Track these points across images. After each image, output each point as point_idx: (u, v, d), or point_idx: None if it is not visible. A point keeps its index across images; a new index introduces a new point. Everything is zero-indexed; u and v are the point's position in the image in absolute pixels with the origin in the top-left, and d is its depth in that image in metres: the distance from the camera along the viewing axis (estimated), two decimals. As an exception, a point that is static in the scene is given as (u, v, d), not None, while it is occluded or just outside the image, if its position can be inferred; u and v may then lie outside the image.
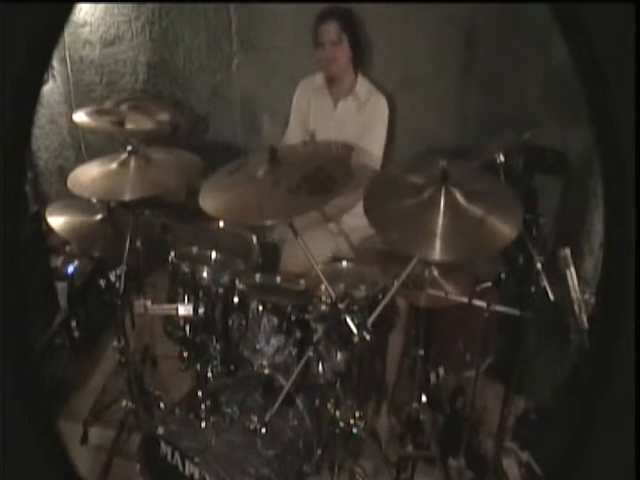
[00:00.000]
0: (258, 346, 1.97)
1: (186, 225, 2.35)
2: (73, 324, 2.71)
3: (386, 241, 1.95)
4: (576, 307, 1.63)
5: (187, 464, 1.73)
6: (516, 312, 1.84)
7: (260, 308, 1.97)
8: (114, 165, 1.98)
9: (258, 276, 2.09)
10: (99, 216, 2.17)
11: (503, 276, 2.01)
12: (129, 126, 2.44)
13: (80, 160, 3.31)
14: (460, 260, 1.87)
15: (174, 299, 2.06)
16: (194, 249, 2.17)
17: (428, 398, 2.16)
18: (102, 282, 2.04)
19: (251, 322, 1.98)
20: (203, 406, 1.82)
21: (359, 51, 2.47)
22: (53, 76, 3.21)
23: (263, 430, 1.79)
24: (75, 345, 2.72)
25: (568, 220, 2.69)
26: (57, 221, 2.12)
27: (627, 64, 0.68)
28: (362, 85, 2.52)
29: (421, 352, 2.09)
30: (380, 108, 2.49)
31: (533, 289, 1.75)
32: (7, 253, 0.77)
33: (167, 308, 1.99)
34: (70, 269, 2.73)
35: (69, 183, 1.95)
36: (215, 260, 2.16)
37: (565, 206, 2.72)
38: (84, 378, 2.71)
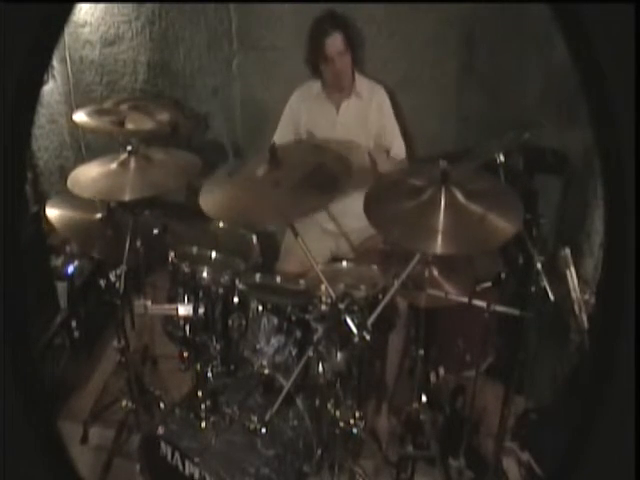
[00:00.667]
0: (258, 346, 1.97)
1: (186, 225, 2.35)
2: (73, 324, 2.71)
3: (387, 238, 1.95)
4: (576, 307, 1.63)
5: (187, 464, 1.74)
6: (516, 312, 1.84)
7: (260, 308, 1.97)
8: (114, 165, 1.98)
9: (258, 276, 2.09)
10: (99, 215, 2.17)
11: (503, 276, 2.01)
12: (129, 126, 2.44)
13: (80, 160, 3.30)
14: (462, 254, 1.88)
15: (174, 299, 2.06)
16: (194, 249, 2.17)
17: (428, 398, 2.16)
18: (102, 282, 2.04)
19: (251, 322, 1.98)
20: (203, 406, 1.82)
21: (356, 52, 2.46)
22: (53, 76, 3.21)
23: (263, 430, 1.79)
24: (75, 345, 2.72)
25: (568, 220, 2.69)
26: (57, 215, 2.11)
27: (627, 64, 0.68)
28: (361, 82, 2.50)
29: (421, 352, 2.09)
30: (385, 100, 2.49)
31: (533, 289, 1.75)
32: (7, 253, 0.77)
33: (167, 308, 1.99)
34: (70, 269, 2.73)
35: (69, 183, 1.95)
36: (215, 260, 2.16)
37: (565, 206, 2.72)
38: (84, 378, 2.71)
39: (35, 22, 0.73)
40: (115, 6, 3.05)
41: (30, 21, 0.72)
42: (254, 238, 2.27)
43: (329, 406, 1.91)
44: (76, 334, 2.73)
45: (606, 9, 0.68)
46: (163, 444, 1.78)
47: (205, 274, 2.02)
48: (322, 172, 1.75)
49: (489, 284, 1.96)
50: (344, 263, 2.17)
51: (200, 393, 1.84)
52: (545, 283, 1.71)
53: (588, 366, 0.84)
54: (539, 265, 1.74)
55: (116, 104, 2.81)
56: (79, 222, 2.15)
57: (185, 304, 1.99)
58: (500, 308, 1.88)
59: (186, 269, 2.03)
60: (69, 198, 2.18)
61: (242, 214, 1.78)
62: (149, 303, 1.89)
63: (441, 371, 2.53)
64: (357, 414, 1.88)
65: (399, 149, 2.52)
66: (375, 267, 2.07)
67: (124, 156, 1.99)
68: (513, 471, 2.23)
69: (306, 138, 2.52)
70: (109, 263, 2.24)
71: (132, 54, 3.15)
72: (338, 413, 1.89)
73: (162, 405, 2.41)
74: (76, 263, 2.76)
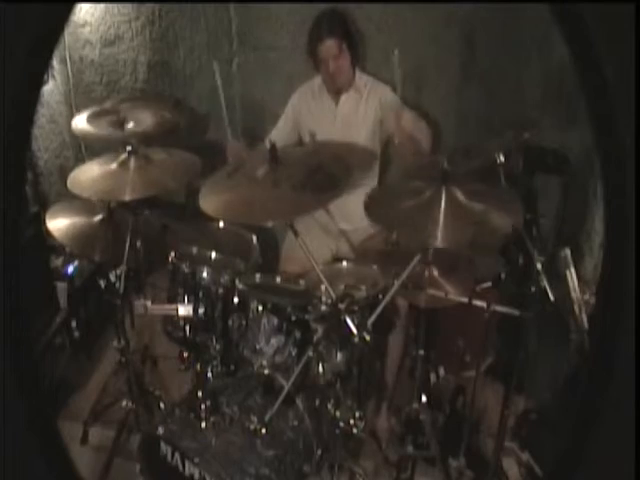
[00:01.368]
0: (258, 346, 1.97)
1: (186, 225, 2.35)
2: (73, 324, 2.71)
3: (388, 231, 1.96)
4: (576, 307, 1.63)
5: (187, 464, 1.74)
6: (516, 312, 1.84)
7: (260, 308, 1.97)
8: (114, 165, 1.98)
9: (258, 276, 2.09)
10: (99, 217, 2.17)
11: (503, 276, 2.01)
12: (129, 126, 2.44)
13: (80, 160, 3.31)
14: (462, 248, 1.88)
15: (174, 299, 2.06)
16: (194, 249, 2.17)
17: (428, 398, 2.15)
18: (102, 282, 2.04)
19: (251, 322, 1.98)
20: (203, 406, 1.82)
21: (356, 50, 2.46)
22: (53, 76, 3.21)
23: (263, 430, 1.78)
24: (75, 345, 2.72)
25: (568, 220, 2.69)
26: (57, 226, 2.12)
27: (627, 64, 0.68)
28: (360, 79, 2.51)
29: (421, 352, 2.09)
30: (388, 94, 2.44)
31: (533, 289, 1.75)
32: (7, 253, 0.77)
33: (167, 308, 1.99)
34: (70, 269, 2.73)
35: (69, 183, 1.95)
36: (215, 260, 2.16)
37: (565, 206, 2.72)
38: (84, 378, 2.71)
39: (35, 22, 0.73)
40: (115, 6, 3.05)
41: (30, 21, 0.72)
42: (254, 238, 2.27)
43: (329, 406, 1.90)
44: (76, 334, 2.73)
45: (606, 9, 0.68)
46: (163, 444, 1.78)
47: (205, 274, 2.02)
48: (322, 172, 1.75)
49: (489, 284, 1.96)
50: (344, 263, 2.17)
51: (200, 393, 1.84)
52: (545, 283, 1.71)
53: (588, 366, 0.83)
54: (539, 265, 1.73)
55: (116, 104, 2.80)
56: (80, 229, 2.15)
57: (185, 304, 1.99)
58: (500, 308, 1.88)
59: (186, 269, 2.03)
60: (68, 206, 2.19)
61: (242, 214, 1.78)
62: (149, 303, 1.89)
63: (441, 371, 2.53)
64: (357, 414, 1.88)
65: (421, 132, 2.33)
66: (375, 267, 2.07)
67: (124, 156, 1.99)
68: (513, 471, 2.23)
69: (306, 135, 2.53)
70: (109, 263, 2.24)
71: (132, 54, 3.15)
72: (338, 413, 1.89)
73: (162, 405, 2.41)
74: (76, 263, 2.76)
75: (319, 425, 1.94)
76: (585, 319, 1.63)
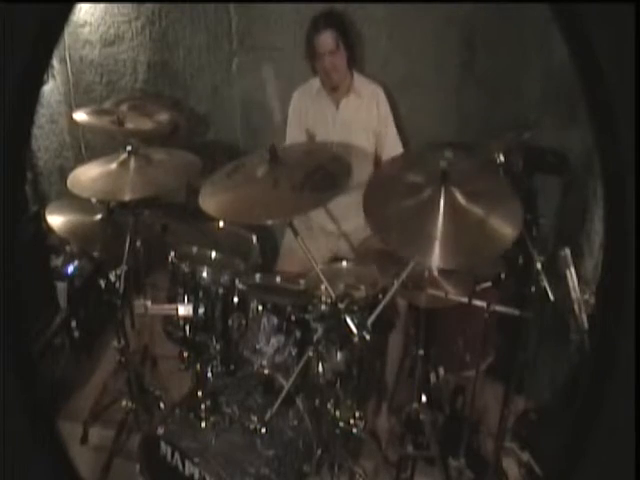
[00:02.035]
0: (258, 346, 1.97)
1: (186, 225, 2.35)
2: (73, 324, 2.71)
3: (385, 243, 1.95)
4: (576, 307, 1.63)
5: (187, 464, 1.73)
6: (516, 312, 1.84)
7: (260, 308, 1.97)
8: (114, 165, 1.98)
9: (258, 276, 2.09)
10: (99, 216, 2.17)
11: (503, 276, 2.01)
12: (129, 126, 2.44)
13: (80, 160, 3.30)
14: (460, 267, 1.87)
15: (174, 299, 2.05)
16: (194, 249, 2.16)
17: (428, 398, 2.15)
18: (102, 282, 2.04)
19: (251, 322, 1.98)
20: (203, 406, 1.82)
21: (353, 51, 2.46)
22: (53, 76, 3.21)
23: (263, 430, 1.79)
24: (75, 345, 2.72)
25: (568, 220, 2.68)
26: (57, 221, 2.12)
27: (627, 64, 0.68)
28: (359, 82, 2.51)
29: (421, 352, 2.09)
30: (383, 101, 2.49)
31: (533, 289, 1.75)
32: (7, 253, 0.77)
33: (167, 308, 1.99)
34: (70, 269, 2.73)
35: (69, 183, 1.95)
36: (215, 260, 2.16)
37: (565, 206, 2.72)
38: (84, 378, 2.71)
39: (35, 22, 0.73)
40: (115, 6, 3.06)
41: (30, 21, 0.72)
42: (254, 238, 2.27)
43: (329, 406, 1.90)
44: (76, 334, 2.73)
45: (606, 9, 0.68)
46: (163, 444, 1.78)
47: (205, 274, 2.01)
48: (322, 172, 1.75)
49: (489, 284, 1.96)
50: (344, 263, 2.17)
51: (200, 393, 1.84)
52: (545, 283, 1.71)
53: (588, 366, 0.83)
54: (539, 265, 1.73)
55: (116, 104, 2.81)
56: (79, 225, 2.15)
57: (185, 304, 1.99)
58: (500, 308, 1.88)
59: (186, 269, 2.03)
60: (68, 202, 2.19)
61: (242, 214, 1.78)
62: (149, 303, 1.89)
63: (441, 371, 2.53)
64: (357, 414, 1.88)
65: (394, 151, 2.49)
66: (375, 267, 2.07)
67: (124, 156, 1.99)
68: (513, 471, 2.23)
69: (306, 137, 2.53)
70: (109, 263, 2.24)
71: (132, 54, 3.16)
72: (338, 413, 1.89)
73: (162, 405, 2.41)
74: (76, 263, 2.76)
75: (319, 425, 1.94)
76: (585, 319, 1.63)
